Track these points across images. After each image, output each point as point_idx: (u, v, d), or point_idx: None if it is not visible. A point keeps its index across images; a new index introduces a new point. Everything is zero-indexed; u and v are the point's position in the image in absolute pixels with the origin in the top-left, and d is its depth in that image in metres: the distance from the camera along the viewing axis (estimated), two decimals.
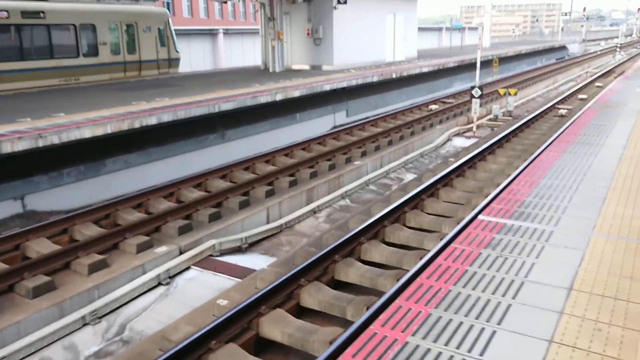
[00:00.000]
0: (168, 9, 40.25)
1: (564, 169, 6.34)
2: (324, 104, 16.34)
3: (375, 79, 17.57)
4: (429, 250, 6.44)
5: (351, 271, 6.07)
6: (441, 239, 6.69)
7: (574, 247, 4.18)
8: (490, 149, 11.61)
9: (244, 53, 28.80)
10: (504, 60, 30.45)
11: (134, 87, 15.03)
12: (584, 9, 66.86)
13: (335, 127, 16.66)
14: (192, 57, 26.49)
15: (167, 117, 10.20)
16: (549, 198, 5.34)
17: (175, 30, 24.23)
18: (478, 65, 15.42)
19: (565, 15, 64.62)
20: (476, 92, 15.20)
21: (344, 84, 16.01)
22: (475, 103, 15.37)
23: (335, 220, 8.85)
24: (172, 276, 6.62)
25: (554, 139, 7.94)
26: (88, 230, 7.43)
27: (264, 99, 12.64)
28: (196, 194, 9.06)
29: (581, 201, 5.29)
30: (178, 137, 11.60)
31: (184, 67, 23.99)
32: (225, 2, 19.11)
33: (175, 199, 9.12)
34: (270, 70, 19.11)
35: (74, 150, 9.42)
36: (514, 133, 13.37)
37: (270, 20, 18.54)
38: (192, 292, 6.29)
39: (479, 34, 14.60)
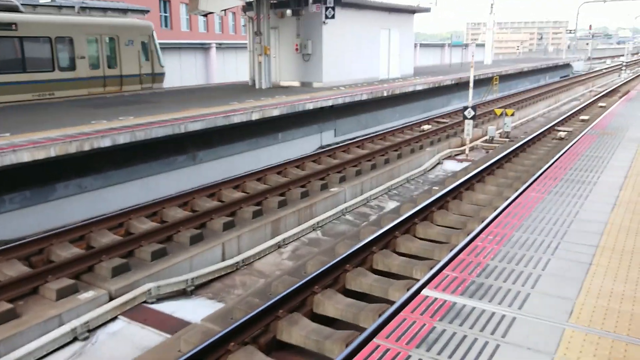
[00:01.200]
0: (166, 22, 39.81)
1: (544, 218, 5.12)
2: (310, 123, 15.47)
3: (364, 97, 16.71)
4: (392, 303, 5.54)
5: (295, 331, 5.16)
6: (408, 289, 5.79)
7: (538, 350, 2.98)
8: (479, 176, 10.70)
9: (238, 68, 28.06)
10: (505, 78, 29.53)
11: (107, 103, 14.24)
12: (590, 26, 66.12)
13: (322, 147, 15.81)
14: (183, 72, 25.77)
15: (123, 139, 9.35)
16: (519, 262, 4.19)
17: (165, 43, 23.55)
18: (471, 84, 14.56)
19: (571, 32, 63.78)
20: (469, 113, 14.32)
21: (330, 103, 15.16)
22: (468, 124, 14.49)
23: (302, 257, 7.94)
24: (92, 329, 5.72)
25: (539, 175, 6.95)
26: (10, 270, 6.56)
27: (237, 119, 11.79)
28: (147, 224, 8.17)
29: (559, 268, 4.13)
30: (142, 159, 10.74)
31: (174, 82, 23.21)
32: (206, 16, 18.31)
33: (125, 230, 8.26)
34: (257, 86, 18.31)
35: (18, 174, 8.58)
36: (508, 157, 12.47)
37: (257, 35, 17.78)
38: (110, 350, 5.38)
39: (471, 51, 13.77)
